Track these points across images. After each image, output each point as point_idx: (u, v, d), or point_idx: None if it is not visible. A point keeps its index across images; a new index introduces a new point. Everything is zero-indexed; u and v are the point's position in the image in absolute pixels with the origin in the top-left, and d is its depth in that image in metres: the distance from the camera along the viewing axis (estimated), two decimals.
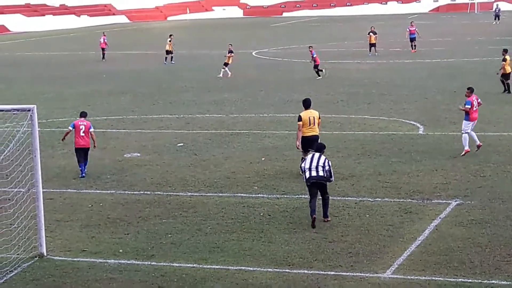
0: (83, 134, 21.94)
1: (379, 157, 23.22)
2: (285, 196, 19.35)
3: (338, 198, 18.90)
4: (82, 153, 22.07)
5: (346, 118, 30.25)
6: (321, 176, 16.91)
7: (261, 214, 17.88)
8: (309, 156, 17.59)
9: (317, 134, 20.82)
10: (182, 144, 26.09)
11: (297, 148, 21.05)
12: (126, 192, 20.30)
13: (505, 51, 35.75)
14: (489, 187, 19.52)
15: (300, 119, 20.80)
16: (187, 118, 31.41)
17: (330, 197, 17.22)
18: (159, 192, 20.12)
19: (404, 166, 21.98)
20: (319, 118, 20.97)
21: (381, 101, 34.07)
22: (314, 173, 16.94)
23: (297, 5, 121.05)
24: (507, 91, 34.99)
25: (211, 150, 25.13)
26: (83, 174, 21.98)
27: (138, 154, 24.76)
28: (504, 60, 35.13)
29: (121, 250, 15.64)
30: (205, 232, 16.67)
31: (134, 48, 67.33)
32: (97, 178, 21.79)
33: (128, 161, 23.82)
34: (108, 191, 20.39)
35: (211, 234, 16.49)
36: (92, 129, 22.17)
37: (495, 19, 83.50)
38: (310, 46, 44.65)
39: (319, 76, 42.52)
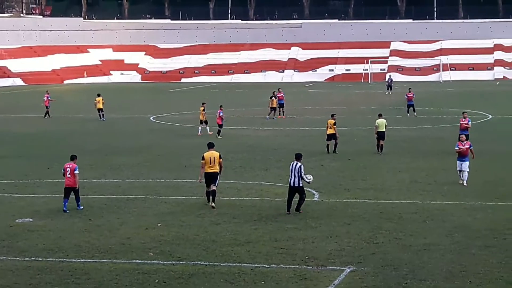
0: (69, 176, 25.04)
1: (275, 223, 23.41)
2: (181, 262, 19.20)
3: (234, 264, 18.90)
4: (68, 192, 25.12)
5: (243, 184, 30.44)
6: (299, 185, 23.88)
7: (156, 281, 17.66)
8: (291, 164, 24.25)
9: (217, 171, 25.16)
10: (77, 209, 25.61)
11: (199, 182, 25.73)
12: (17, 258, 19.71)
13: (333, 115, 39.46)
14: (381, 253, 19.91)
15: (203, 158, 25.21)
16: (82, 183, 30.80)
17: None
18: (51, 259, 19.62)
19: (299, 233, 22.21)
20: (220, 158, 25.21)
21: (278, 167, 34.45)
22: (292, 180, 24.01)
23: (195, 71, 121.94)
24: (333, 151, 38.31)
25: (106, 215, 24.77)
26: (66, 209, 25.06)
27: (31, 220, 24.15)
28: (334, 123, 38.65)
29: None
30: None
31: (29, 111, 66.13)
32: None
33: (20, 227, 23.20)
34: None
35: None
36: (76, 171, 25.07)
37: (387, 89, 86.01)
38: (220, 106, 48.14)
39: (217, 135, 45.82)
